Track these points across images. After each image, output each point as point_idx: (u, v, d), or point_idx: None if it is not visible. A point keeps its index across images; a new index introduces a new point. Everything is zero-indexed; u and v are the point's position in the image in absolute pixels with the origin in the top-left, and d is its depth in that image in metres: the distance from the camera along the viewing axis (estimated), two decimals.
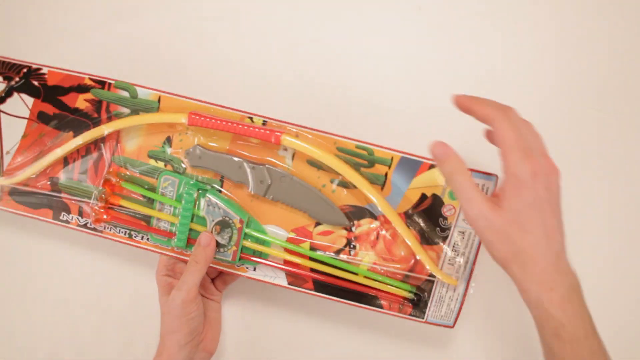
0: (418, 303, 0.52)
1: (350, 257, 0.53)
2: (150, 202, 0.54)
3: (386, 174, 0.51)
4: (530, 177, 0.38)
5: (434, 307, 0.52)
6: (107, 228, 0.55)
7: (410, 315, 0.52)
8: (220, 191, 0.53)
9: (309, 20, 0.60)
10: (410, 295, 0.52)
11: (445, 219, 0.50)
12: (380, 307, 0.52)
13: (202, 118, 0.51)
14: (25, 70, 0.52)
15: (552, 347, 0.39)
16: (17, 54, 0.52)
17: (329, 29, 0.60)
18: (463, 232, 0.50)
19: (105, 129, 0.52)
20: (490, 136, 0.44)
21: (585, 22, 0.58)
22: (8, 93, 0.53)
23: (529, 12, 0.58)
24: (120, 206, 0.54)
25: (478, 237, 0.45)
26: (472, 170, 0.48)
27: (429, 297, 0.52)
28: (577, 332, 0.38)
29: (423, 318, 0.52)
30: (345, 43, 0.59)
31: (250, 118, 0.52)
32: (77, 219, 0.55)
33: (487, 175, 0.48)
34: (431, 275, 0.51)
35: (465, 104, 0.42)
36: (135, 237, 0.55)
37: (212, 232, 0.52)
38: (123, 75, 0.53)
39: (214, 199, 0.52)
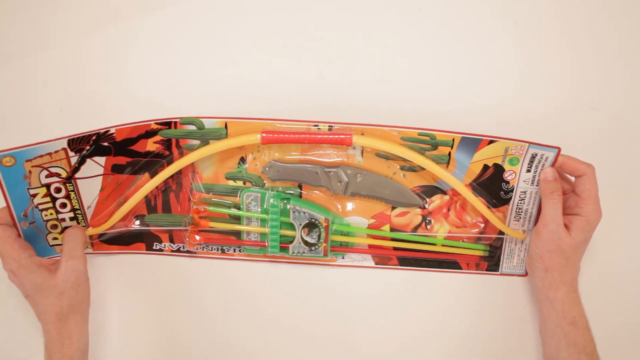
0: (492, 259, 0.60)
1: (427, 230, 0.59)
2: (236, 218, 0.58)
3: (449, 154, 0.56)
4: (595, 223, 0.53)
5: (506, 260, 0.60)
6: (200, 248, 0.59)
7: (486, 270, 0.60)
8: (300, 196, 0.58)
9: (330, 27, 0.60)
10: (485, 254, 0.60)
11: (507, 182, 0.57)
12: (460, 268, 0.60)
13: (275, 135, 0.53)
14: (94, 137, 0.53)
15: (568, 331, 0.54)
16: (83, 126, 0.53)
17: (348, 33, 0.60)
18: (524, 192, 0.56)
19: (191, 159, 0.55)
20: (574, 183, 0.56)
21: (587, 21, 0.59)
22: (81, 162, 0.53)
23: (530, 11, 0.59)
24: (210, 228, 0.58)
25: (546, 242, 0.54)
26: (536, 143, 0.54)
27: (501, 252, 0.59)
28: (585, 322, 0.54)
29: (498, 271, 0.60)
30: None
31: (316, 125, 0.55)
32: (170, 245, 0.59)
33: (550, 147, 0.53)
34: (501, 232, 0.58)
35: (561, 161, 0.54)
36: (227, 250, 0.59)
37: (300, 234, 0.57)
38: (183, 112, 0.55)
39: (297, 206, 0.56)
